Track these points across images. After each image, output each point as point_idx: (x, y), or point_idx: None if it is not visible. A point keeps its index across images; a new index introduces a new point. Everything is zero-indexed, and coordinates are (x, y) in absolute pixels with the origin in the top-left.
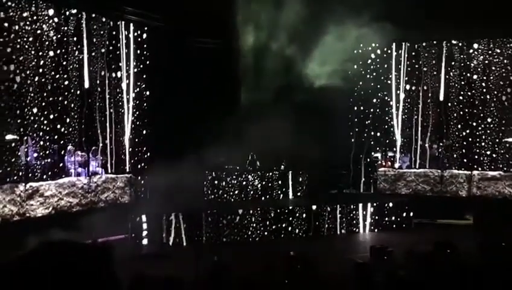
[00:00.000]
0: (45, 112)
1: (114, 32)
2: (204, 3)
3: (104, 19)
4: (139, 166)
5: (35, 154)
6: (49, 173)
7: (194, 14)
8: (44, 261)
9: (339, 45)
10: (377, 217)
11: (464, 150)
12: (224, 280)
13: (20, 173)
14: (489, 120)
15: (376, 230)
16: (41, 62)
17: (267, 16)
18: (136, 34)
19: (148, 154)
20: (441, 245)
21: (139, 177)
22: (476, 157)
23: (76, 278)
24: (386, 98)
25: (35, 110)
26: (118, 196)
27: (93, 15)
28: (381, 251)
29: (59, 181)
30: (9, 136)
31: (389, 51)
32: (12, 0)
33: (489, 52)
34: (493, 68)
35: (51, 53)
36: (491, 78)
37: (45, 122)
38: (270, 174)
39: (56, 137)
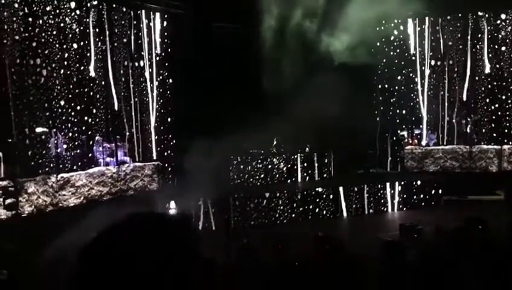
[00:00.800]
0: (72, 104)
1: (135, 22)
2: None
3: (124, 9)
4: (165, 153)
5: (65, 146)
6: (79, 163)
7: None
8: (133, 234)
9: (361, 21)
10: (405, 196)
11: (493, 125)
12: (252, 263)
13: (52, 165)
14: None
15: (405, 209)
16: (66, 55)
17: None
18: (156, 22)
19: (174, 141)
20: (472, 221)
21: (166, 165)
22: (506, 131)
23: (163, 250)
24: (411, 74)
25: (62, 102)
26: (146, 184)
27: (114, 5)
28: (411, 229)
29: (89, 171)
30: (39, 129)
31: (413, 27)
32: None
33: None
34: None
35: (75, 45)
36: None
37: (72, 113)
38: (296, 156)
39: (84, 128)
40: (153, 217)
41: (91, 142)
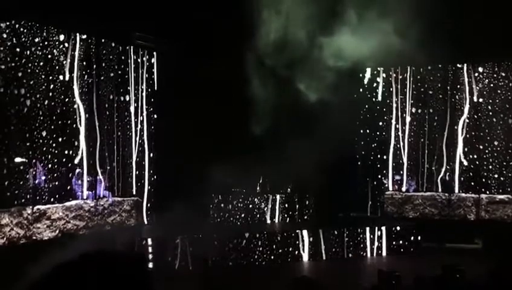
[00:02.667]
0: (54, 135)
1: (123, 57)
2: (214, 26)
3: (113, 44)
4: (145, 189)
5: (44, 177)
6: (57, 195)
7: (203, 37)
8: (85, 272)
9: (341, 69)
10: (384, 241)
11: (471, 173)
12: None
13: (28, 196)
14: (496, 143)
15: (384, 254)
16: (51, 86)
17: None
18: (144, 58)
19: (155, 177)
20: (450, 270)
21: (146, 200)
22: (484, 180)
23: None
24: (392, 121)
25: (44, 133)
26: (124, 219)
27: (103, 40)
28: (389, 276)
29: (66, 204)
30: (18, 159)
31: (395, 75)
32: (24, 26)
33: (495, 75)
34: (499, 91)
35: (61, 77)
36: (497, 101)
37: (54, 145)
38: (277, 197)
39: (64, 160)
40: (105, 257)
41: (71, 175)
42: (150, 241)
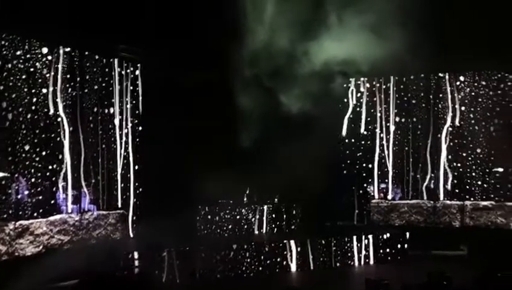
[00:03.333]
0: (37, 149)
1: (107, 69)
2: (199, 37)
3: (97, 57)
4: (131, 202)
5: (27, 192)
6: (40, 210)
7: (188, 49)
8: None
9: (325, 78)
10: (371, 250)
11: (455, 181)
12: None
13: (10, 211)
14: (478, 151)
15: (371, 262)
16: (34, 99)
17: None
18: (129, 70)
19: (140, 189)
20: (436, 277)
21: (131, 213)
22: (468, 187)
23: None
24: (377, 130)
25: (27, 147)
26: (109, 233)
27: (86, 53)
28: (377, 284)
29: (50, 219)
30: (0, 174)
31: (378, 85)
32: (5, 39)
33: (475, 84)
34: (479, 100)
35: (44, 90)
36: (478, 109)
37: (37, 159)
38: (264, 207)
39: (48, 174)
40: (107, 281)
41: (54, 189)
42: (136, 254)
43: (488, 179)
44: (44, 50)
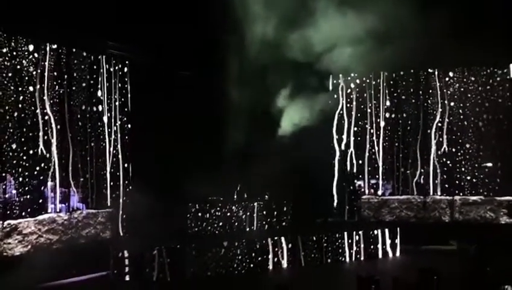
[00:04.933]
0: (24, 148)
1: (95, 66)
2: (187, 36)
3: (84, 54)
4: (120, 200)
5: (14, 191)
6: (29, 209)
7: (176, 46)
8: None
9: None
10: (362, 245)
11: (445, 176)
12: None
13: None
14: (467, 146)
15: (362, 258)
16: (21, 97)
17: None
18: (117, 68)
19: (130, 188)
20: (426, 272)
21: (121, 212)
22: (457, 182)
23: None
24: (367, 126)
25: (14, 145)
26: (99, 232)
27: (74, 50)
28: (368, 280)
29: (38, 218)
30: None
31: (368, 80)
32: None
33: (465, 80)
34: (469, 95)
35: (31, 88)
36: (468, 104)
37: (24, 158)
38: (254, 204)
39: (36, 173)
40: None
41: (43, 188)
42: (126, 253)
43: (477, 174)
44: (31, 47)
